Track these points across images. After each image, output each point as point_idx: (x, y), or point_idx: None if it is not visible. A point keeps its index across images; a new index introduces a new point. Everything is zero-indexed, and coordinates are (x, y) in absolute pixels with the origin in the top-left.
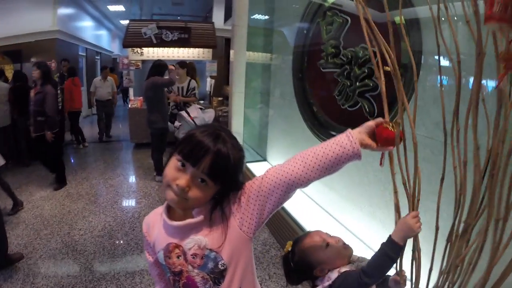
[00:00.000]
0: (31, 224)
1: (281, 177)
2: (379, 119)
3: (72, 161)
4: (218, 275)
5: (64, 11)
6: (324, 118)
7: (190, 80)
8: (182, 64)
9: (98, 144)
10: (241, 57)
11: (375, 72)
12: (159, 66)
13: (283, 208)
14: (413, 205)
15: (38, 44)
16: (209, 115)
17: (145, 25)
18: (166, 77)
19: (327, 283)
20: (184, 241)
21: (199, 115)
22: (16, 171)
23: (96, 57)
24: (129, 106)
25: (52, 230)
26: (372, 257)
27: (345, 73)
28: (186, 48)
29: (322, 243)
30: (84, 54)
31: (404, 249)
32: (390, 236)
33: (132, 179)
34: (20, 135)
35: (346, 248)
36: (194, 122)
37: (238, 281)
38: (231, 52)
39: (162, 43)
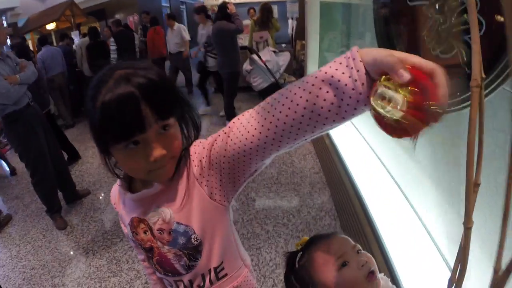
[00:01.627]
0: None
1: (247, 143)
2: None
3: None
4: (192, 250)
5: None
6: None
7: None
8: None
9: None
10: None
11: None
12: (225, 8)
13: (348, 175)
14: None
15: (120, 1)
16: (283, 59)
17: None
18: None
19: None
20: (147, 214)
21: (271, 58)
22: None
23: (181, 6)
24: None
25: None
26: None
27: (436, 5)
28: None
29: (337, 260)
30: (168, 5)
31: None
32: None
33: (204, 124)
34: None
35: (370, 281)
36: (266, 66)
37: (219, 255)
38: None
39: None
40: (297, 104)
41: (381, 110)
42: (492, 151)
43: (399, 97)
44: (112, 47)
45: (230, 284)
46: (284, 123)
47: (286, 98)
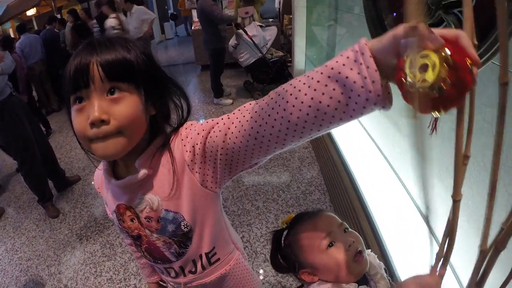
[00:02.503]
0: None
1: (250, 139)
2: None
3: None
4: (182, 237)
5: None
6: None
7: None
8: None
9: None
10: None
11: None
12: None
13: (337, 149)
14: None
15: None
16: (270, 33)
17: None
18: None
19: None
20: (133, 202)
21: (258, 33)
22: None
23: None
24: (193, 28)
25: None
26: None
27: None
28: None
29: (323, 240)
30: None
31: None
32: None
33: (192, 102)
34: None
35: (358, 261)
36: (253, 41)
37: (210, 241)
38: None
39: None
40: (302, 102)
41: (419, 83)
42: (481, 126)
43: (438, 60)
44: (96, 28)
45: (222, 268)
46: (288, 121)
47: (291, 95)
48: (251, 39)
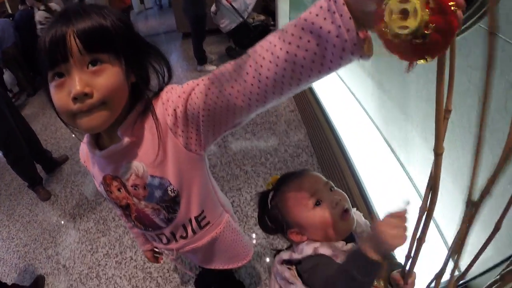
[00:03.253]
0: None
1: (231, 98)
2: None
3: None
4: (170, 202)
5: None
6: None
7: None
8: None
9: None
10: None
11: None
12: None
13: (323, 112)
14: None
15: None
16: None
17: None
18: None
19: (296, 256)
20: (119, 171)
21: None
22: None
23: None
24: None
25: None
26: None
27: None
28: None
29: (310, 199)
30: None
31: (381, 266)
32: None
33: (175, 70)
34: None
35: (345, 219)
36: (233, 6)
37: (198, 204)
38: None
39: None
40: (278, 57)
41: (401, 31)
42: (466, 88)
43: (419, 5)
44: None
45: (213, 231)
46: (266, 77)
47: (266, 50)
48: (230, 4)
